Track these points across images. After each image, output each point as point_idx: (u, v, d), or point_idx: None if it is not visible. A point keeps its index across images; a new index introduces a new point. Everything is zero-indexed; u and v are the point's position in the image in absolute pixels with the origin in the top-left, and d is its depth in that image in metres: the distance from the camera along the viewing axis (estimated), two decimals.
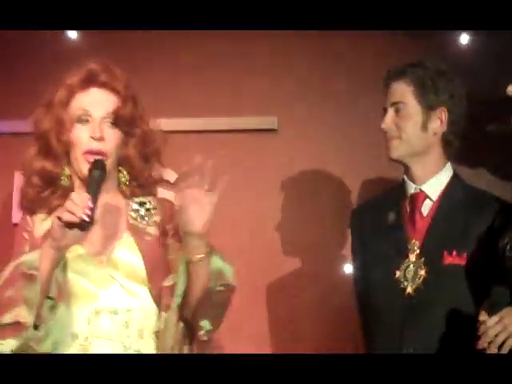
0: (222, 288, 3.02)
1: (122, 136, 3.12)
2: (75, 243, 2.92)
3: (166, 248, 3.14)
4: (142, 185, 3.19)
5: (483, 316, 2.96)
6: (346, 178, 4.34)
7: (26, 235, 3.09)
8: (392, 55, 3.90)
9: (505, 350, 2.88)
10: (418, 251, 3.43)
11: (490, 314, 2.94)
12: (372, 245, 3.55)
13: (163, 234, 3.14)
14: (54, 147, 3.08)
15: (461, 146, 3.57)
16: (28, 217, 3.11)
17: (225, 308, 3.08)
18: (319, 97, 4.42)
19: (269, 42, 4.43)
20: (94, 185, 2.92)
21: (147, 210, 3.17)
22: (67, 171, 3.11)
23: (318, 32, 4.10)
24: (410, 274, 3.41)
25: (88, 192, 2.86)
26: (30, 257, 2.93)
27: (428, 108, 3.45)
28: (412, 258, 3.43)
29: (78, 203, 2.79)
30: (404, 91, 3.47)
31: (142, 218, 3.15)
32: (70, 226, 2.81)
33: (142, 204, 3.18)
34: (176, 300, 3.01)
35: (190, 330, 3.07)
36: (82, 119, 3.06)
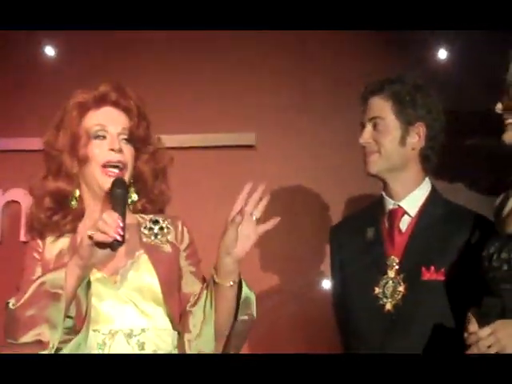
0: (245, 317, 3.05)
1: (134, 153, 3.15)
2: (102, 263, 2.95)
3: (180, 269, 3.15)
4: (152, 201, 3.20)
5: (473, 326, 2.94)
6: (324, 194, 4.36)
7: (36, 255, 3.09)
8: (369, 72, 3.89)
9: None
10: (396, 267, 3.42)
11: (481, 324, 2.92)
12: (351, 261, 3.54)
13: (175, 251, 3.14)
14: (68, 166, 3.09)
15: (439, 161, 3.57)
16: (38, 238, 3.12)
17: (245, 338, 3.13)
18: (296, 112, 4.43)
19: (247, 58, 4.46)
20: (119, 203, 2.94)
21: (161, 228, 3.17)
22: (77, 192, 3.12)
23: (295, 48, 4.13)
24: (388, 291, 3.40)
25: (116, 211, 2.86)
26: (54, 275, 2.93)
27: (406, 123, 3.45)
28: (391, 274, 3.42)
29: (110, 223, 2.81)
30: (382, 106, 3.47)
31: (156, 236, 3.15)
32: (100, 245, 2.83)
33: (155, 222, 3.18)
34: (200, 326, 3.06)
35: None
36: (99, 135, 3.08)
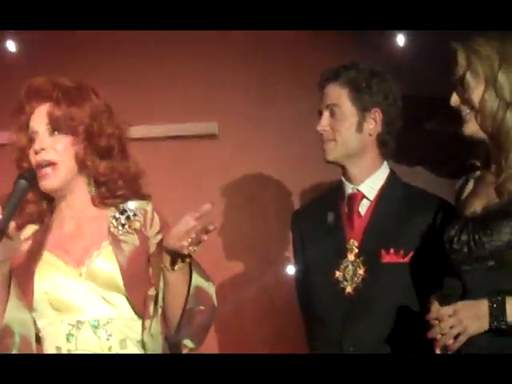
0: (202, 307, 3.04)
1: (71, 140, 3.06)
2: (4, 257, 2.89)
3: (148, 257, 3.12)
4: (102, 183, 3.12)
5: (435, 306, 2.95)
6: (286, 181, 4.36)
7: None
8: (328, 58, 3.90)
9: (458, 344, 2.90)
10: (356, 251, 3.43)
11: (442, 306, 2.94)
12: (312, 246, 3.53)
13: (143, 241, 3.11)
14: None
15: (398, 146, 3.57)
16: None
17: (207, 328, 3.16)
18: (256, 103, 4.43)
19: (209, 48, 4.44)
20: (14, 194, 2.87)
21: (127, 217, 3.13)
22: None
23: (256, 35, 4.12)
24: (349, 274, 3.40)
25: (7, 202, 2.82)
26: None
27: (362, 109, 3.45)
28: (351, 257, 3.43)
29: None
30: (338, 93, 3.47)
31: (123, 225, 3.11)
32: None
33: (123, 212, 3.14)
34: (159, 310, 3.05)
35: (173, 347, 3.10)
36: (33, 138, 3.06)
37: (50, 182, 3.01)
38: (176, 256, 2.96)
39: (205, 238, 2.87)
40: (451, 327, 2.89)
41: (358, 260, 3.40)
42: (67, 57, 4.46)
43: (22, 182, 2.88)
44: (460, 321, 2.89)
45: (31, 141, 3.05)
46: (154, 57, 4.49)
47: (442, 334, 2.90)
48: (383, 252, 3.38)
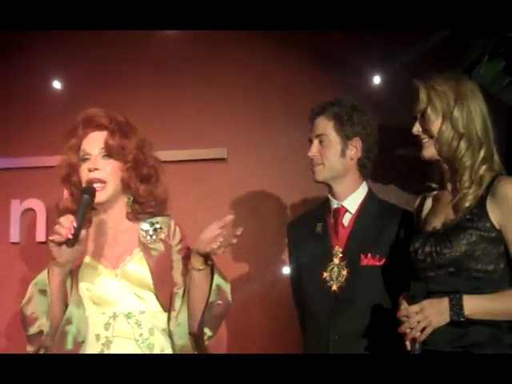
0: (220, 302, 3.07)
1: (118, 164, 3.10)
2: (72, 259, 2.93)
3: (171, 262, 3.14)
4: (141, 203, 3.15)
5: (404, 305, 2.96)
6: (283, 197, 4.32)
7: None
8: (316, 95, 3.85)
9: (424, 336, 2.89)
10: (340, 255, 3.41)
11: (410, 303, 2.94)
12: (304, 251, 3.52)
13: (167, 248, 3.13)
14: (72, 189, 3.14)
15: (374, 168, 3.56)
16: None
17: (222, 319, 3.17)
18: (259, 131, 4.41)
19: (218, 85, 4.45)
20: (81, 207, 2.92)
21: (155, 229, 3.16)
22: None
23: (257, 76, 4.15)
24: (334, 275, 3.39)
25: (76, 214, 2.87)
26: (41, 276, 3.00)
27: (345, 138, 3.43)
28: (336, 261, 3.40)
29: (64, 225, 2.83)
30: (325, 125, 3.45)
31: (151, 236, 3.14)
32: (60, 244, 2.84)
33: (151, 224, 3.16)
34: (184, 303, 3.08)
35: (195, 336, 3.12)
36: (85, 158, 3.08)
37: (99, 196, 3.03)
38: (203, 258, 2.99)
39: (234, 240, 2.93)
40: (418, 322, 2.90)
41: (342, 263, 3.39)
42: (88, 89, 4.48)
43: (86, 196, 2.95)
44: (426, 316, 2.90)
45: (83, 160, 3.08)
46: (170, 93, 4.48)
47: (411, 329, 2.90)
48: (362, 256, 3.37)
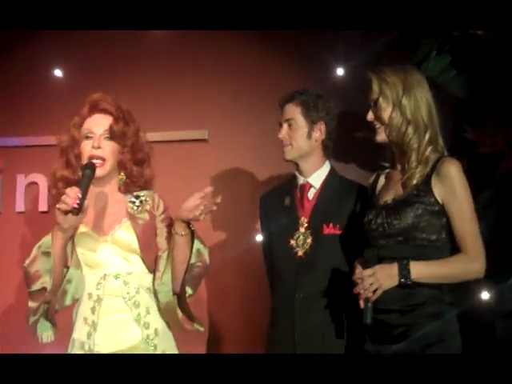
0: (199, 264, 3.10)
1: (117, 147, 3.13)
2: (75, 225, 2.96)
3: (155, 229, 3.17)
4: (133, 181, 3.19)
5: (359, 269, 2.99)
6: (256, 174, 4.32)
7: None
8: (287, 84, 3.81)
9: (376, 296, 2.92)
10: (306, 225, 3.43)
11: (364, 268, 2.97)
12: (273, 221, 3.54)
13: (152, 218, 3.17)
14: (71, 160, 3.13)
15: (336, 149, 3.58)
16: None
17: (201, 279, 3.19)
18: (237, 115, 4.39)
19: (201, 70, 4.42)
20: (84, 180, 2.94)
21: (141, 201, 3.19)
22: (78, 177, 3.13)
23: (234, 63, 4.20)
24: (300, 242, 3.41)
25: (79, 186, 2.89)
26: (46, 239, 3.01)
27: (311, 122, 3.45)
28: (302, 230, 3.43)
29: (70, 195, 2.84)
30: (294, 111, 3.46)
31: (138, 207, 3.17)
32: (66, 213, 2.86)
33: (137, 197, 3.20)
34: (168, 265, 3.10)
35: (178, 296, 3.15)
36: (88, 136, 3.10)
37: (98, 171, 3.05)
38: (185, 225, 3.03)
39: (214, 207, 2.97)
40: (371, 284, 2.93)
41: (307, 232, 3.41)
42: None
43: (88, 171, 2.97)
44: (377, 279, 2.93)
45: (86, 137, 3.09)
46: (154, 75, 4.45)
47: (364, 290, 2.94)
48: (325, 226, 3.39)
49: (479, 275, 3.00)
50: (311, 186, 3.49)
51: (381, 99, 3.07)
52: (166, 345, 3.13)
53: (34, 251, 3.03)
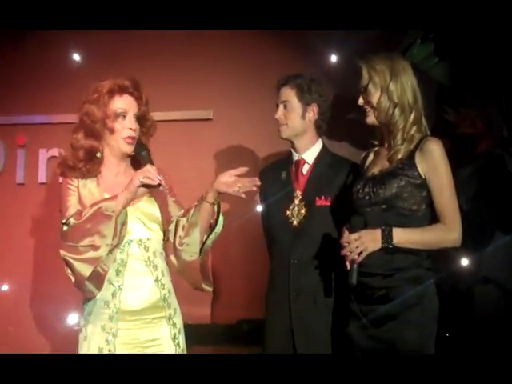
0: (217, 231, 3.22)
1: (139, 128, 3.18)
2: (138, 197, 3.06)
3: (168, 202, 3.23)
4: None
5: (346, 233, 3.04)
6: (257, 151, 4.38)
7: (72, 187, 3.11)
8: (286, 67, 3.89)
9: (361, 258, 2.99)
10: (300, 197, 3.50)
11: (350, 233, 3.03)
12: (271, 194, 3.59)
13: (164, 191, 3.20)
14: (99, 131, 3.12)
15: (328, 128, 3.62)
16: (73, 177, 3.13)
17: (212, 243, 3.25)
18: (239, 97, 4.43)
19: (205, 54, 4.47)
20: (149, 160, 3.06)
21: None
22: (101, 148, 3.16)
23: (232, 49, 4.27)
24: (295, 213, 3.47)
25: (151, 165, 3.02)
26: (108, 203, 3.01)
27: (305, 104, 3.51)
28: (296, 201, 3.49)
29: (153, 172, 2.97)
30: (289, 93, 3.52)
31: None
32: (147, 186, 2.99)
33: None
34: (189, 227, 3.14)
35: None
36: (122, 115, 3.13)
37: (130, 148, 3.14)
38: (217, 195, 3.11)
39: (255, 188, 3.10)
40: (357, 247, 3.00)
41: (301, 203, 3.47)
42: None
43: (145, 153, 3.10)
44: (362, 243, 3.00)
45: (118, 115, 3.10)
46: (164, 59, 4.48)
47: (351, 252, 3.01)
48: (317, 198, 3.46)
49: (456, 244, 3.05)
50: (305, 162, 3.54)
51: (370, 85, 3.12)
52: (175, 304, 3.19)
53: (93, 211, 3.00)
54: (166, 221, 3.20)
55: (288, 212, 3.49)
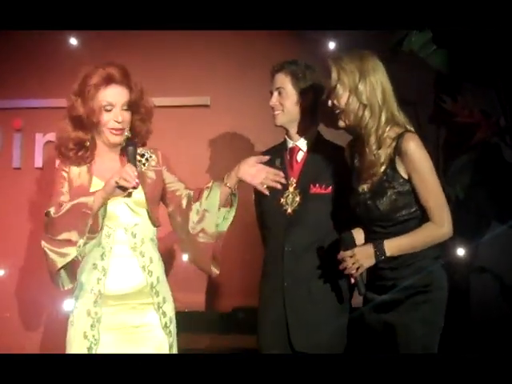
0: (234, 208, 3.25)
1: (131, 115, 3.13)
2: (115, 196, 3.03)
3: (163, 185, 3.19)
4: (138, 138, 3.19)
5: (341, 251, 3.06)
6: (256, 138, 4.33)
7: (64, 174, 3.10)
8: (280, 55, 3.81)
9: (359, 273, 3.03)
10: (294, 185, 3.44)
11: (344, 250, 3.05)
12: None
13: (158, 174, 3.17)
14: (86, 124, 3.09)
15: (324, 115, 3.47)
16: (66, 163, 3.13)
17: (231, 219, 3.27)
18: (238, 83, 4.41)
19: (204, 44, 4.43)
20: (131, 158, 3.02)
21: (146, 159, 3.19)
22: (90, 138, 3.13)
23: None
24: (289, 200, 3.43)
25: (132, 164, 2.98)
26: (86, 199, 2.99)
27: (300, 91, 3.44)
28: (291, 189, 3.44)
29: (130, 174, 2.93)
30: (283, 80, 3.45)
31: (144, 165, 3.18)
32: (120, 187, 2.96)
33: (142, 155, 3.19)
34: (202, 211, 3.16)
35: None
36: (107, 109, 3.08)
37: (118, 139, 3.11)
38: (237, 181, 3.16)
39: (279, 186, 3.16)
40: (353, 263, 3.01)
41: (295, 191, 3.42)
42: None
43: (131, 148, 3.04)
44: (357, 260, 3.01)
45: (105, 110, 3.06)
46: (162, 45, 4.46)
47: (347, 268, 3.03)
48: (311, 186, 3.41)
49: (447, 237, 3.02)
50: (299, 149, 3.49)
51: (338, 86, 3.05)
52: (165, 292, 3.16)
53: (70, 206, 2.99)
54: (157, 208, 3.17)
55: (282, 200, 3.44)
